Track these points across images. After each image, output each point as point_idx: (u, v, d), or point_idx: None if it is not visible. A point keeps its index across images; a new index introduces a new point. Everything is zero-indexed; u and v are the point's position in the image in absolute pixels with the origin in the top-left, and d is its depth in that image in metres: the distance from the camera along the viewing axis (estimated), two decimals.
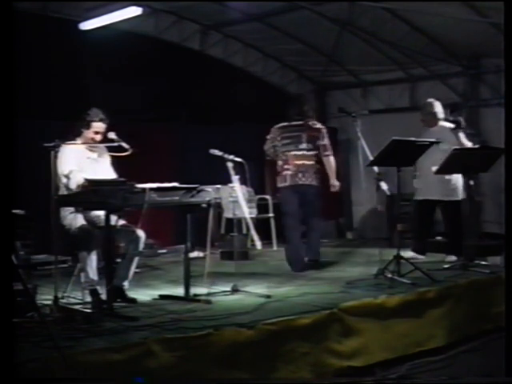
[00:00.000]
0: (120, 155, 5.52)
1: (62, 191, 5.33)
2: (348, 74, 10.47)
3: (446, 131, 7.25)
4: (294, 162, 7.14)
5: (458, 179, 7.32)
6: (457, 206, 7.30)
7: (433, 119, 7.46)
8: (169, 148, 9.24)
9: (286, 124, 7.24)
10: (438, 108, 7.48)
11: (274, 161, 7.36)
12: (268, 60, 10.65)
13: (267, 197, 9.30)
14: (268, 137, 7.36)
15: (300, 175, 7.13)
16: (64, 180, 5.37)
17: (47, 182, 5.13)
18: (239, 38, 10.12)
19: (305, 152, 7.16)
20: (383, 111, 9.91)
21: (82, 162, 5.59)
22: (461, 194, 7.40)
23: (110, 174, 5.73)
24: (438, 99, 7.55)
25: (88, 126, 5.61)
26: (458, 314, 5.89)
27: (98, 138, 5.63)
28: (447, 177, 7.29)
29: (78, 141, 5.63)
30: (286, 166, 7.17)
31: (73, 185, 5.30)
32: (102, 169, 5.70)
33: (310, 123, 7.24)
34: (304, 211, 7.16)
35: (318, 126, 7.28)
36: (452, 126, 7.26)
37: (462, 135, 7.24)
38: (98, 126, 5.61)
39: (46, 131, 6.14)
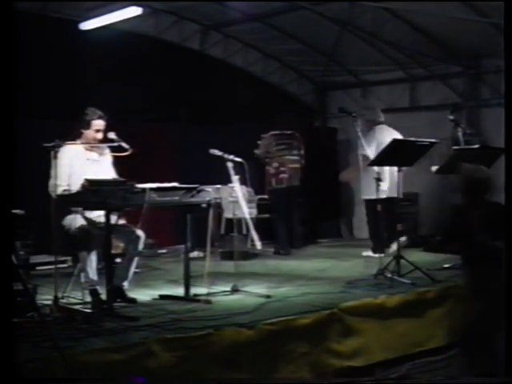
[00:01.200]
0: (120, 155, 5.52)
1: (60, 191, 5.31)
2: (348, 74, 10.46)
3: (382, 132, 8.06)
4: (289, 166, 8.57)
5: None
6: (370, 204, 7.96)
7: (370, 123, 8.25)
8: (169, 148, 9.23)
9: (278, 132, 8.66)
10: (379, 113, 8.38)
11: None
12: (268, 60, 10.64)
13: (267, 197, 9.29)
14: (260, 142, 8.65)
15: (293, 177, 8.59)
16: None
17: (47, 181, 5.14)
18: (239, 38, 10.11)
19: (296, 157, 8.66)
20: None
21: (83, 163, 5.59)
22: (379, 193, 7.54)
23: (110, 174, 5.72)
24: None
25: (88, 126, 5.61)
26: (457, 314, 5.89)
27: (100, 135, 5.63)
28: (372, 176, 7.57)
29: (79, 142, 5.63)
30: (282, 169, 8.54)
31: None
32: (103, 169, 5.70)
33: (297, 134, 8.76)
34: (291, 208, 8.65)
35: (300, 137, 8.81)
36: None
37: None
38: (98, 123, 5.62)
39: (46, 131, 6.13)
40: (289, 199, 8.58)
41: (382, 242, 7.58)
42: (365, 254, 8.04)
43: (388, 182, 7.75)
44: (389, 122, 8.36)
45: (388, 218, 7.75)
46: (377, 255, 7.47)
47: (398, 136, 7.81)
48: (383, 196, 7.59)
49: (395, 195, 7.52)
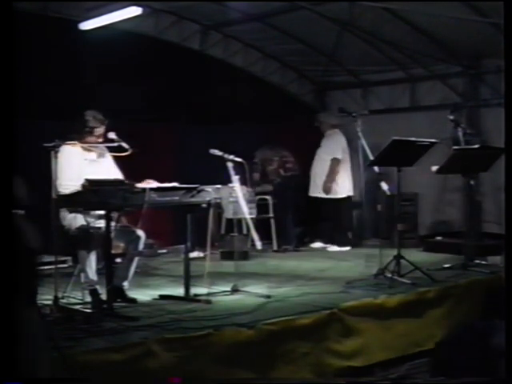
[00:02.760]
0: (120, 155, 5.52)
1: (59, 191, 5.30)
2: (348, 73, 10.45)
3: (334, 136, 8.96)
4: (291, 159, 9.42)
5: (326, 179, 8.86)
6: (332, 203, 8.96)
7: (326, 126, 9.18)
8: (169, 148, 9.23)
9: (271, 146, 9.45)
10: (331, 117, 9.19)
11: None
12: (268, 60, 10.63)
13: (267, 197, 9.30)
14: (256, 156, 9.15)
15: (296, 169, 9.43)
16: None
17: (47, 181, 5.13)
18: (239, 38, 10.10)
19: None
20: (383, 111, 9.90)
21: (81, 163, 5.59)
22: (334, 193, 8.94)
23: (111, 174, 5.72)
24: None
25: (91, 133, 5.62)
26: (457, 314, 5.89)
27: (101, 139, 5.66)
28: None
29: (78, 142, 5.63)
30: (286, 159, 9.27)
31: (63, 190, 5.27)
32: (103, 169, 5.70)
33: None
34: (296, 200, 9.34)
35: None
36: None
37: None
38: (101, 129, 5.64)
39: (46, 131, 6.13)
40: (295, 189, 9.13)
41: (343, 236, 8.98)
42: (313, 245, 9.16)
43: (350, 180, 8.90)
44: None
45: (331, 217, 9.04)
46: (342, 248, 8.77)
47: (343, 143, 8.87)
48: (344, 195, 8.95)
49: (351, 194, 8.99)
